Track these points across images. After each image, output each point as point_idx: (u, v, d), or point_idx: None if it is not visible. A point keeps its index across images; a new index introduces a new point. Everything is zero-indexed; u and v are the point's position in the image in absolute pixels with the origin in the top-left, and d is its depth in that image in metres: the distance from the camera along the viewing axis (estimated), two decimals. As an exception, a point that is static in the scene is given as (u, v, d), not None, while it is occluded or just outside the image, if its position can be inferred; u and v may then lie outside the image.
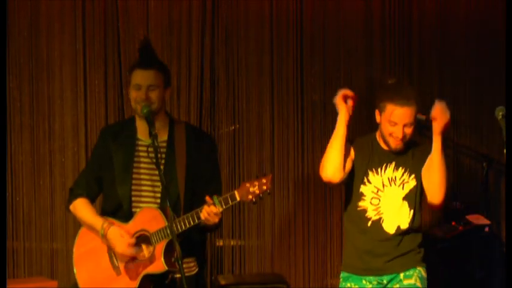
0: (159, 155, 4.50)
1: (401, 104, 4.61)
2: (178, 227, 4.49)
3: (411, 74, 6.51)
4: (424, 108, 6.35)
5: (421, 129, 6.32)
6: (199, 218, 4.48)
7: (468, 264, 6.10)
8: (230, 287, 5.88)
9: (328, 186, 5.12)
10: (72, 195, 4.77)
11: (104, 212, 4.73)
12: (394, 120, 4.61)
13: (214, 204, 4.45)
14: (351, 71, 6.47)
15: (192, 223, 4.50)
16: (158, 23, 6.27)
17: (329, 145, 4.70)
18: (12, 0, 6.11)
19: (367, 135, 4.86)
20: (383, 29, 6.48)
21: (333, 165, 4.67)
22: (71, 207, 4.77)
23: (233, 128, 6.39)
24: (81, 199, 4.73)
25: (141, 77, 4.60)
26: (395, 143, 4.64)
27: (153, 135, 4.46)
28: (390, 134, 4.63)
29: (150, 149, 4.50)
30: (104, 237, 4.61)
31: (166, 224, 4.51)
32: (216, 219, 4.49)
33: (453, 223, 6.11)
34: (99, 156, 4.76)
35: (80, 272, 4.70)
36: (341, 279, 4.77)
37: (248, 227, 6.37)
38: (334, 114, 6.35)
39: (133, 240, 4.56)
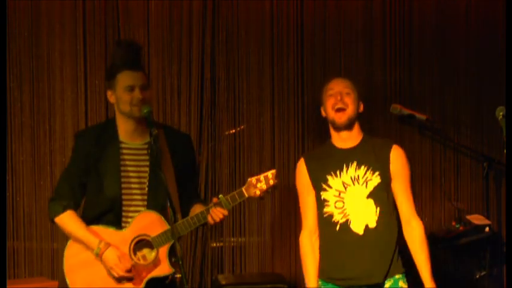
0: (145, 157, 4.51)
1: (334, 78, 4.83)
2: (183, 228, 4.50)
3: (411, 74, 6.51)
4: (423, 106, 6.39)
5: (421, 129, 6.35)
6: (205, 218, 4.49)
7: (468, 264, 6.10)
8: (230, 286, 5.89)
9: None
10: (58, 206, 4.64)
11: (87, 219, 4.64)
12: (331, 88, 4.73)
13: (221, 204, 4.46)
14: (351, 71, 6.46)
15: (197, 224, 4.51)
16: (159, 23, 6.27)
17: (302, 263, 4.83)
18: (13, 0, 6.11)
19: (320, 145, 4.95)
20: (383, 29, 6.48)
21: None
22: (57, 219, 4.65)
23: (239, 129, 6.39)
24: (70, 212, 4.63)
25: (132, 78, 4.57)
26: (338, 118, 4.69)
27: (153, 136, 4.45)
28: (332, 107, 4.71)
29: (150, 151, 4.51)
30: (99, 257, 4.56)
31: (168, 227, 4.51)
32: (221, 219, 4.53)
33: (453, 223, 6.12)
34: (81, 162, 4.65)
35: (74, 283, 4.60)
36: (319, 283, 4.73)
37: (249, 226, 6.37)
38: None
39: (130, 265, 4.53)
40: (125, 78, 4.58)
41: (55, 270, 6.20)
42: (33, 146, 6.21)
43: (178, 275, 4.55)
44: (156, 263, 4.53)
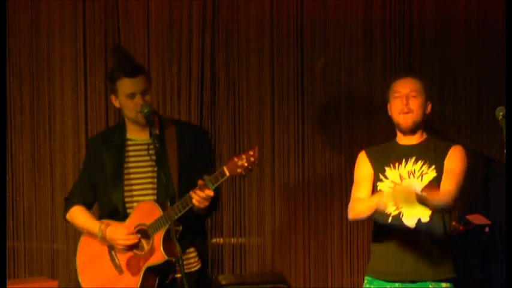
0: (151, 152, 4.52)
1: (402, 77, 4.74)
2: (173, 213, 4.48)
3: (411, 74, 6.50)
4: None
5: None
6: (191, 202, 4.46)
7: (468, 264, 6.10)
8: (230, 286, 5.89)
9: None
10: (68, 204, 4.77)
11: (101, 218, 4.72)
12: (398, 90, 4.65)
13: (206, 185, 4.43)
14: (351, 71, 6.46)
15: (183, 209, 4.47)
16: (158, 23, 6.27)
17: (364, 208, 4.66)
18: (13, 0, 6.11)
19: (384, 143, 4.88)
20: (383, 29, 6.48)
21: (360, 218, 4.74)
22: (68, 216, 4.77)
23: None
24: (77, 206, 4.73)
25: (132, 85, 4.58)
26: (404, 121, 4.63)
27: (154, 136, 4.45)
28: (398, 112, 4.64)
29: (151, 147, 4.51)
30: (103, 238, 4.61)
31: (162, 213, 4.51)
32: (207, 203, 4.47)
33: (453, 223, 6.10)
34: (92, 164, 4.74)
35: (85, 280, 4.69)
36: (365, 281, 4.72)
37: (249, 226, 6.37)
38: (334, 114, 6.41)
39: (131, 229, 4.56)
40: (124, 86, 4.60)
41: (55, 270, 6.20)
42: (33, 146, 6.21)
43: (178, 275, 4.54)
44: (151, 251, 4.54)
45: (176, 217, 4.46)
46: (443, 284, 4.60)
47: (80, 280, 4.72)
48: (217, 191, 4.52)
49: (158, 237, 4.53)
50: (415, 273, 4.58)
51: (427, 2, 6.50)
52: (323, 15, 6.44)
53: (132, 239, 4.57)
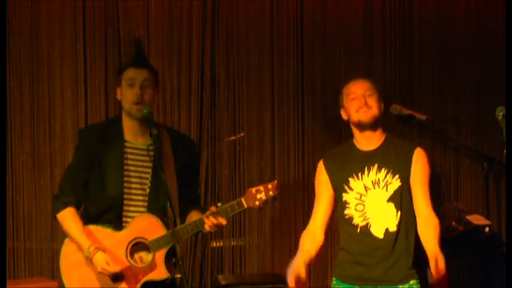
0: (148, 158, 4.52)
1: (354, 79, 4.71)
2: (181, 234, 4.51)
3: (411, 74, 6.51)
4: (423, 106, 6.38)
5: (421, 129, 6.35)
6: (203, 225, 4.50)
7: (468, 264, 6.10)
8: (230, 287, 5.88)
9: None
10: (60, 203, 4.67)
11: (89, 217, 4.65)
12: (353, 92, 4.63)
13: (220, 213, 4.47)
14: (351, 70, 6.46)
15: (192, 231, 4.52)
16: (158, 23, 6.27)
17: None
18: (13, 0, 6.11)
19: (341, 144, 4.87)
20: (383, 29, 6.48)
21: None
22: (59, 216, 4.67)
23: (236, 136, 6.39)
24: (70, 209, 4.64)
25: (134, 73, 4.61)
26: (364, 115, 4.60)
27: (153, 136, 4.45)
28: (356, 110, 4.62)
29: (151, 147, 4.51)
30: (89, 259, 4.56)
31: (166, 232, 4.52)
32: (217, 229, 4.57)
33: (453, 223, 6.11)
34: (86, 159, 4.67)
35: (71, 283, 4.62)
36: (334, 282, 4.75)
37: (249, 227, 6.37)
38: (334, 113, 6.40)
39: (119, 270, 4.53)
40: (127, 74, 4.63)
41: (55, 270, 6.18)
42: (33, 146, 6.21)
43: (178, 275, 4.55)
44: (152, 266, 4.54)
45: (184, 237, 4.50)
46: (412, 281, 4.62)
47: (64, 282, 4.63)
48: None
49: (161, 254, 4.54)
50: (385, 280, 4.60)
51: (427, 2, 6.51)
52: (323, 15, 6.44)
53: (113, 268, 4.52)
